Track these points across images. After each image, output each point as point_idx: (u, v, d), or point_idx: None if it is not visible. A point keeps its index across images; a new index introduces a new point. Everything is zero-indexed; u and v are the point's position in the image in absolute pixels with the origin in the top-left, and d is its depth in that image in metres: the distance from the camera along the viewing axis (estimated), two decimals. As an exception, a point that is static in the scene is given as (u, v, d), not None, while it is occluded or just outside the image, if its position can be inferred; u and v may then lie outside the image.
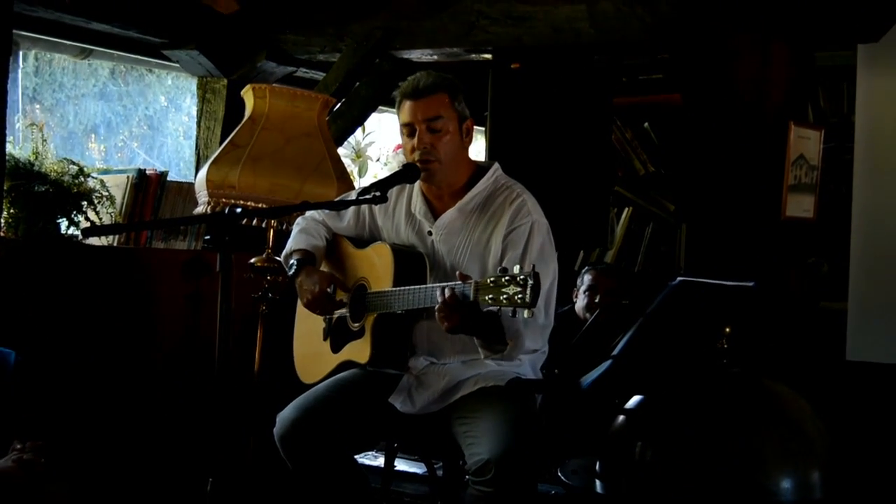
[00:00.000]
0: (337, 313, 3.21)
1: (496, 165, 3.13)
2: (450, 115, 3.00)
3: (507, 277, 2.55)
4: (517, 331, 2.84)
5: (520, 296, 2.51)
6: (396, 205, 3.18)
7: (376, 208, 3.21)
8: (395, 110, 3.10)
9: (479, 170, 3.11)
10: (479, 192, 3.06)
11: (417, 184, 3.12)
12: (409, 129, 3.01)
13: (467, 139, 3.08)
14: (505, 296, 2.54)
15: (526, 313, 2.53)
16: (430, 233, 3.09)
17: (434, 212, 3.10)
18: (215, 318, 2.45)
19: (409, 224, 3.14)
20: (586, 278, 4.25)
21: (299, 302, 3.26)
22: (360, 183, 5.56)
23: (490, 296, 2.58)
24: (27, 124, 4.16)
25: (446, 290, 2.68)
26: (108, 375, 3.85)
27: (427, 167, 2.99)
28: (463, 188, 3.07)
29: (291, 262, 3.20)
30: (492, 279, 2.58)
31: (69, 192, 3.86)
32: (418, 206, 3.12)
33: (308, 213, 3.35)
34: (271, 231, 3.79)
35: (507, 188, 3.08)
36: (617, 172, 5.17)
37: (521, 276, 2.52)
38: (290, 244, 3.28)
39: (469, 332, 2.85)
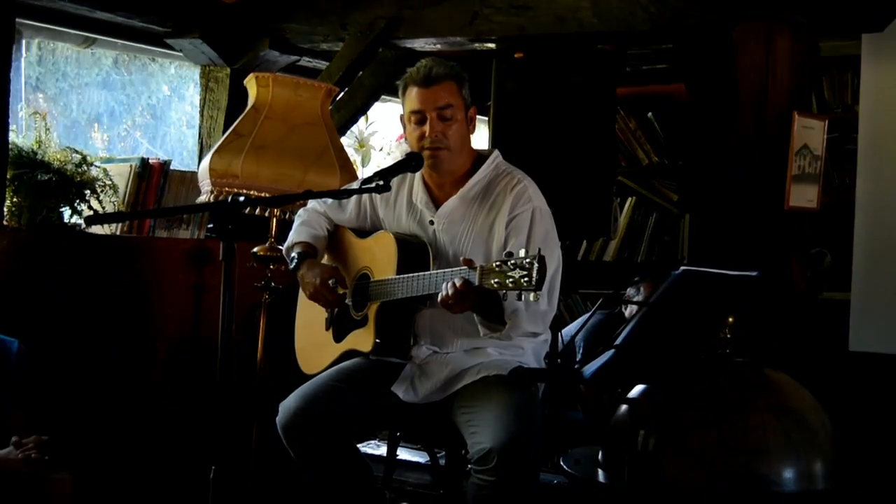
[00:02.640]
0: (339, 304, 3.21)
1: (496, 153, 3.13)
2: (458, 104, 3.01)
3: (512, 261, 2.55)
4: (515, 310, 2.84)
5: (525, 279, 2.51)
6: (398, 195, 3.18)
7: (378, 199, 3.21)
8: (399, 98, 3.09)
9: (480, 158, 3.11)
10: (480, 180, 3.06)
11: (418, 173, 3.11)
12: (418, 116, 3.00)
13: (471, 126, 3.08)
14: (511, 279, 2.54)
15: (532, 296, 2.53)
16: (431, 222, 3.09)
17: (435, 201, 3.10)
18: (218, 307, 2.45)
19: (411, 214, 3.14)
20: (643, 289, 4.13)
21: (301, 293, 3.27)
22: (363, 172, 5.56)
23: (496, 280, 2.57)
24: (30, 113, 4.16)
25: (457, 281, 2.68)
26: (111, 364, 3.86)
27: (437, 154, 2.99)
28: (464, 176, 3.07)
29: (293, 254, 3.20)
30: (497, 263, 2.58)
31: (72, 181, 3.86)
32: (419, 195, 3.12)
33: (309, 206, 3.35)
34: (274, 220, 3.79)
35: (508, 174, 3.08)
36: (620, 162, 5.16)
37: (527, 260, 2.52)
38: (292, 237, 3.28)
39: (471, 310, 2.85)
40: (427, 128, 2.98)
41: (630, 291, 4.19)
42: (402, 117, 3.11)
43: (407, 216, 3.15)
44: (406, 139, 3.12)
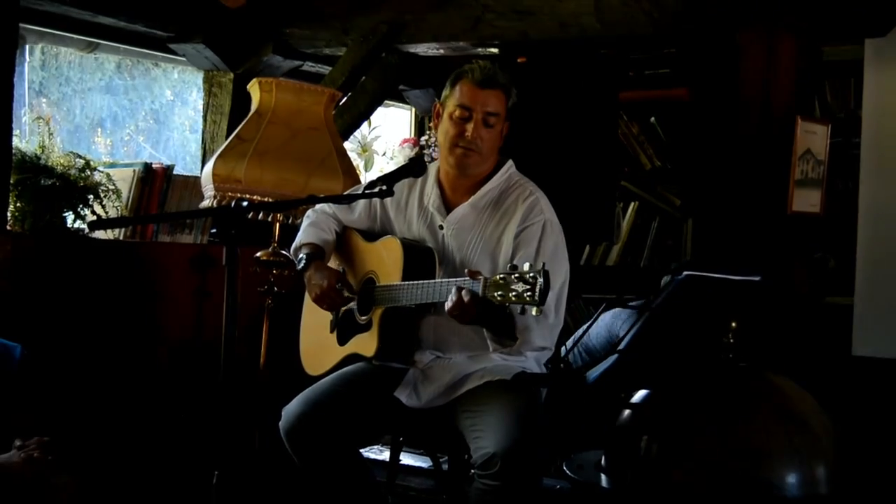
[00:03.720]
0: (344, 307, 3.21)
1: (510, 162, 3.15)
2: (502, 115, 3.04)
3: (516, 275, 2.55)
4: (527, 326, 2.85)
5: (528, 293, 2.51)
6: (409, 198, 3.18)
7: (388, 202, 3.21)
8: (447, 87, 3.06)
9: (496, 166, 3.12)
10: (493, 189, 3.08)
11: (434, 174, 3.12)
12: (465, 113, 2.99)
13: (502, 140, 3.09)
14: (514, 293, 2.54)
15: (534, 311, 2.53)
16: (441, 227, 3.09)
17: (447, 205, 3.11)
18: (221, 312, 2.45)
19: (422, 217, 3.14)
20: None
21: (307, 294, 3.27)
22: (366, 177, 5.56)
23: (499, 292, 2.58)
24: (34, 118, 4.17)
25: (463, 292, 2.68)
26: (114, 369, 3.86)
27: (469, 155, 3.00)
28: (479, 183, 3.08)
29: (300, 255, 3.21)
30: (501, 276, 2.59)
31: (75, 186, 3.87)
32: (433, 198, 3.12)
33: (318, 206, 3.35)
34: (277, 225, 3.79)
35: (520, 185, 3.09)
36: (623, 167, 5.16)
37: (531, 274, 2.52)
38: (300, 237, 3.28)
39: (479, 322, 2.85)
40: (470, 127, 2.98)
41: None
42: (437, 107, 3.11)
43: (417, 220, 3.15)
44: (436, 130, 3.12)
